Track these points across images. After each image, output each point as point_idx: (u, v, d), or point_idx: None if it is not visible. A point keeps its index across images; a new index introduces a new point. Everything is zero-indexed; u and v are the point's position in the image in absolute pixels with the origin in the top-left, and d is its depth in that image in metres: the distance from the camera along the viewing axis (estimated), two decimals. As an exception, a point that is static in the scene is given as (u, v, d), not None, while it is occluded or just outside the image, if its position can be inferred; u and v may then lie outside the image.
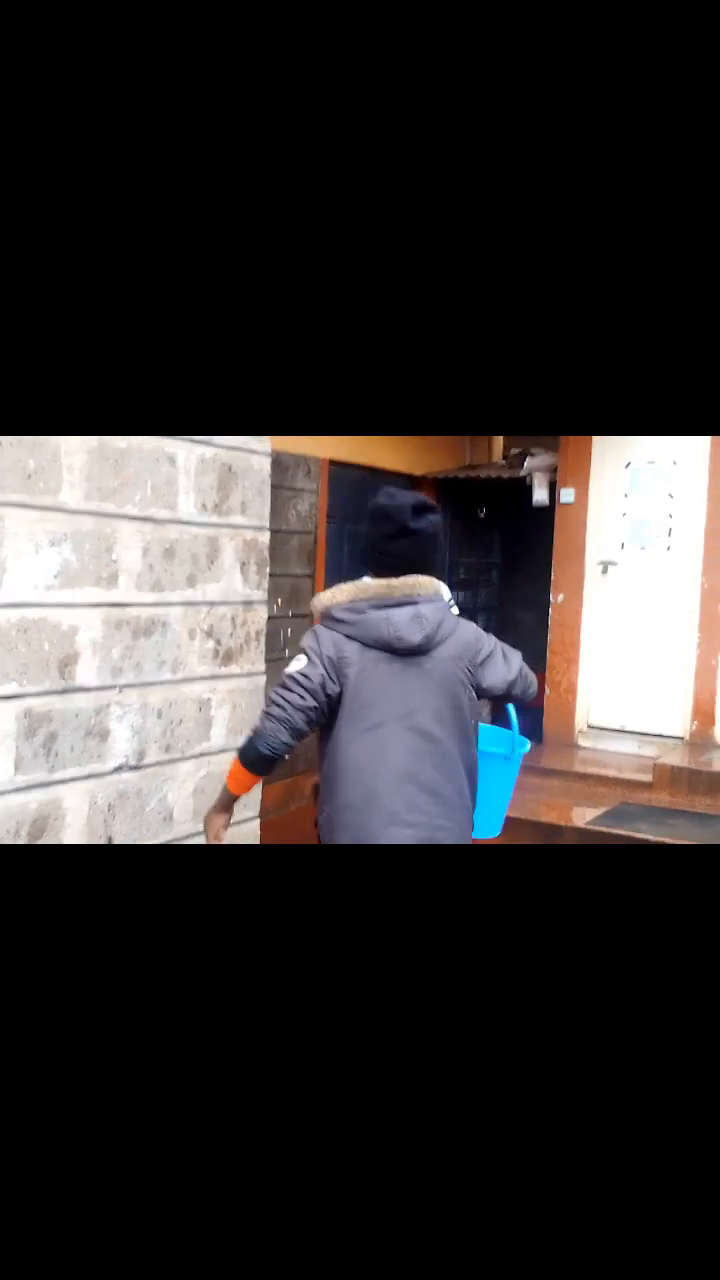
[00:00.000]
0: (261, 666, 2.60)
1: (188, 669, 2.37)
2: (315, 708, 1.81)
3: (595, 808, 4.62)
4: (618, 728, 5.59)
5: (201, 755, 2.44)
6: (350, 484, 5.39)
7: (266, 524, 2.58)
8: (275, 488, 4.57)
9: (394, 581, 1.84)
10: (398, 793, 1.80)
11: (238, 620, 2.52)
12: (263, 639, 2.59)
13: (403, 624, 1.81)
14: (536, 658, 6.05)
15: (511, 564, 6.78)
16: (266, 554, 2.56)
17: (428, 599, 1.86)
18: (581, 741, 5.67)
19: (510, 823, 4.43)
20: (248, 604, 2.55)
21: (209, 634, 2.42)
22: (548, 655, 5.84)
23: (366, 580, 1.87)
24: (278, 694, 1.81)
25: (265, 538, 2.57)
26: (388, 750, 1.81)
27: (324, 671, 1.81)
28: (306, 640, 1.86)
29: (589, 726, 5.72)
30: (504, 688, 2.01)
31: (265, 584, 2.56)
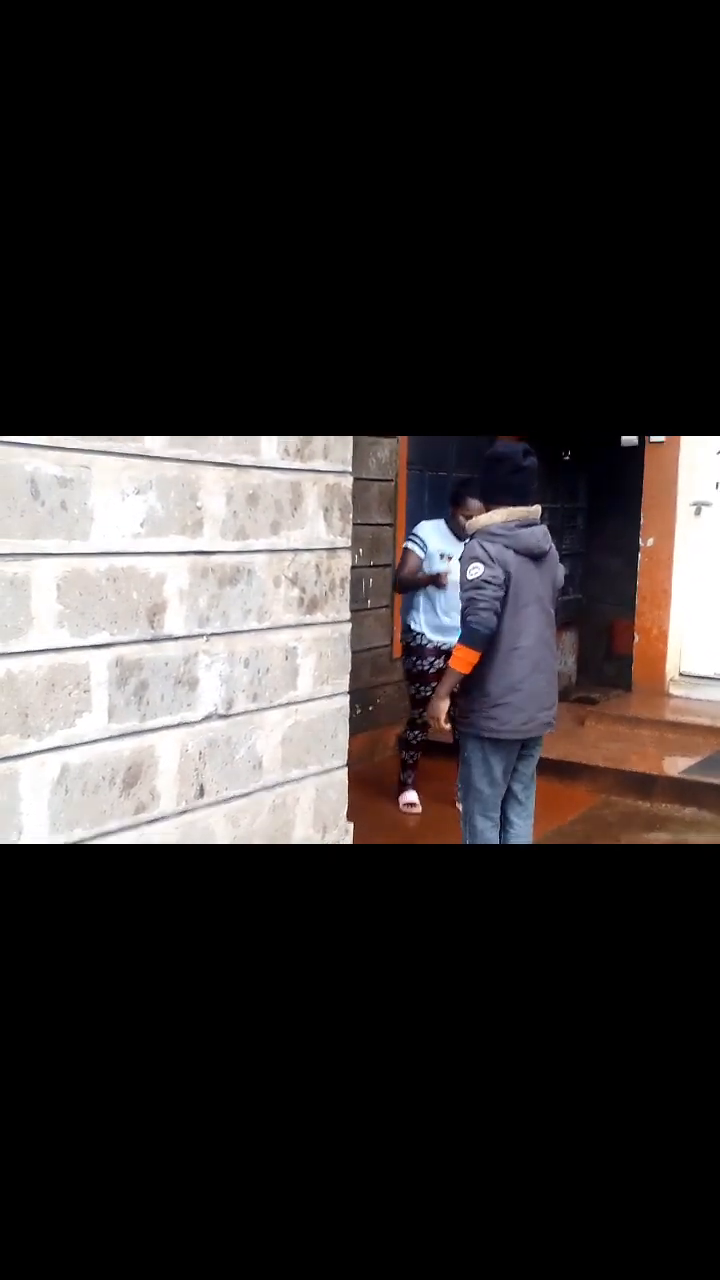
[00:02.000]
0: (346, 614, 2.58)
1: (273, 617, 2.36)
2: (501, 597, 2.75)
3: (689, 757, 4.50)
4: (711, 675, 5.42)
5: (289, 704, 2.44)
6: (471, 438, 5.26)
7: (349, 469, 2.53)
8: (354, 435, 4.51)
9: (529, 509, 2.84)
10: (540, 682, 2.89)
11: (322, 568, 2.49)
12: (347, 586, 2.56)
13: (540, 537, 2.86)
14: (624, 604, 5.89)
15: (598, 508, 6.58)
16: (350, 500, 2.52)
17: (540, 521, 2.90)
18: (673, 690, 5.52)
19: (598, 772, 4.35)
20: (331, 550, 2.52)
21: (294, 581, 2.40)
22: (636, 601, 5.68)
23: (511, 508, 2.81)
24: (478, 593, 2.73)
25: (348, 483, 2.52)
26: (531, 620, 2.82)
27: (501, 571, 2.74)
28: (477, 551, 2.78)
29: (680, 674, 5.56)
30: (562, 584, 3.09)
31: (349, 530, 2.52)
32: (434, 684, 4.00)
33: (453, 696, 2.89)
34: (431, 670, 3.99)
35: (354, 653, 4.74)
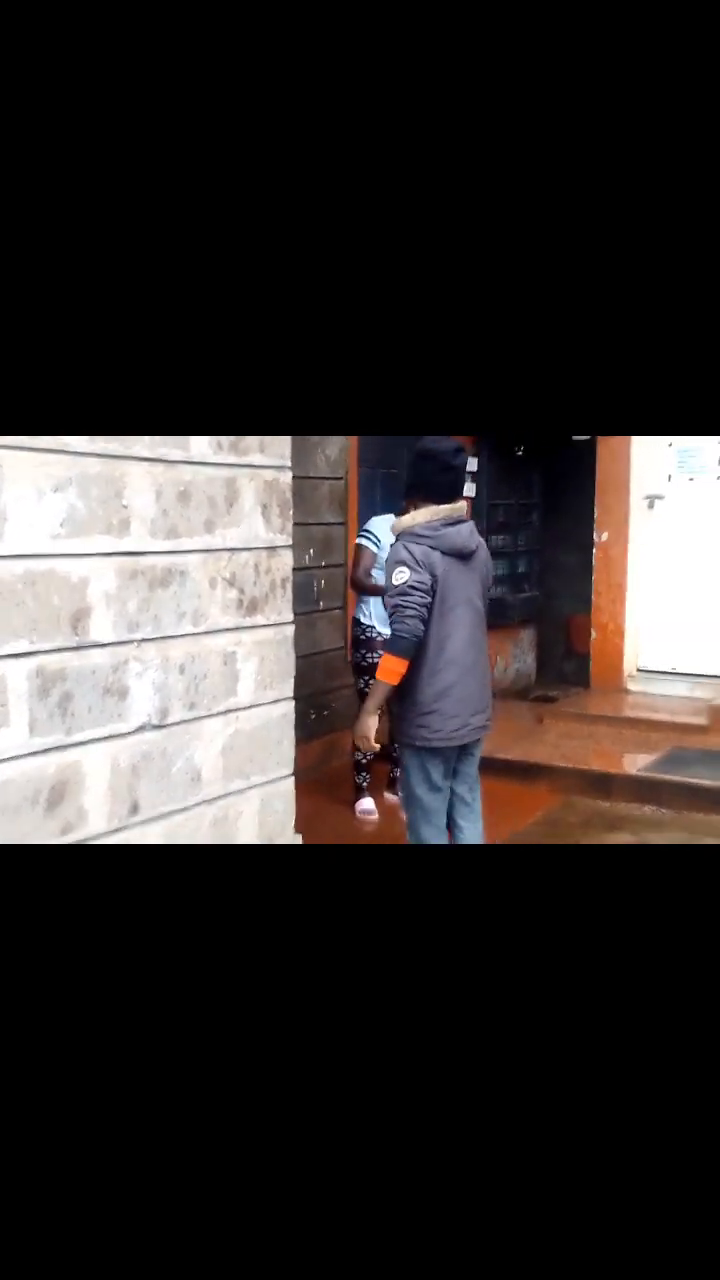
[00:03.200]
0: (289, 616, 2.48)
1: (210, 620, 2.25)
2: (430, 602, 2.67)
3: (648, 754, 4.47)
4: (668, 670, 5.41)
5: (229, 712, 2.33)
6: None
7: (288, 463, 2.43)
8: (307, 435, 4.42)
9: (454, 506, 2.77)
10: (472, 685, 2.79)
11: (261, 567, 2.39)
12: (289, 587, 2.46)
13: (467, 535, 2.77)
14: (582, 601, 5.87)
15: (553, 504, 6.55)
16: (289, 496, 2.42)
17: (467, 518, 2.83)
18: (630, 685, 5.50)
19: (556, 772, 4.30)
20: (271, 550, 2.42)
21: (231, 583, 2.30)
22: (592, 597, 5.65)
23: (435, 506, 2.73)
24: (404, 599, 2.64)
25: (287, 478, 2.42)
26: (460, 623, 2.73)
27: (429, 575, 2.66)
28: (402, 554, 2.70)
29: (638, 670, 5.54)
30: (491, 581, 2.99)
31: (289, 528, 2.42)
32: None
33: (386, 706, 2.83)
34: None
35: (307, 656, 4.66)
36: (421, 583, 2.64)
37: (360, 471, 4.87)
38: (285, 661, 2.49)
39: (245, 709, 2.38)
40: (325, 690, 4.71)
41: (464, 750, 2.93)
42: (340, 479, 4.68)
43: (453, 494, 2.80)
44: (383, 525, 3.91)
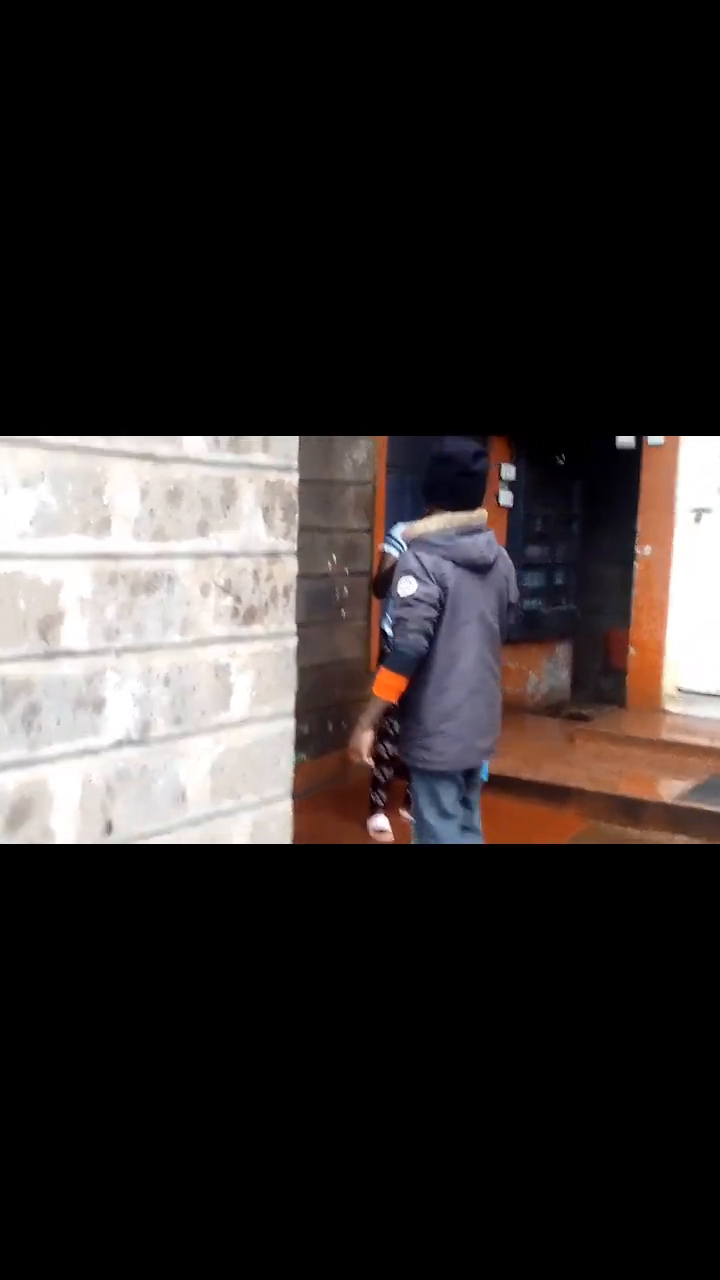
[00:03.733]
0: (291, 626, 2.33)
1: (200, 629, 2.11)
2: (436, 616, 2.54)
3: (684, 780, 4.25)
4: (710, 691, 5.17)
5: (220, 728, 2.19)
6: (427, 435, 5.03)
7: (293, 463, 2.29)
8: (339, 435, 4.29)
9: (471, 514, 2.63)
10: (480, 707, 2.64)
11: (261, 574, 2.24)
12: (292, 595, 2.31)
13: (484, 546, 2.66)
14: (621, 616, 5.65)
15: (594, 515, 6.34)
16: (295, 498, 2.28)
17: (486, 528, 2.69)
18: (669, 707, 5.26)
19: (585, 796, 4.11)
20: (273, 555, 2.27)
21: (226, 590, 2.15)
22: (632, 613, 5.43)
23: (450, 514, 2.61)
24: (407, 612, 2.51)
25: (293, 479, 2.28)
26: (471, 640, 2.59)
27: (437, 587, 2.53)
28: (411, 564, 2.55)
29: (678, 690, 5.31)
30: (514, 600, 2.84)
31: (294, 533, 2.28)
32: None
33: (387, 724, 2.70)
34: None
35: (326, 665, 4.53)
36: (428, 595, 2.52)
37: (389, 476, 4.73)
38: (285, 675, 2.35)
39: (238, 725, 2.24)
40: (346, 701, 4.57)
41: (469, 775, 2.78)
42: (367, 483, 4.54)
43: (472, 501, 2.67)
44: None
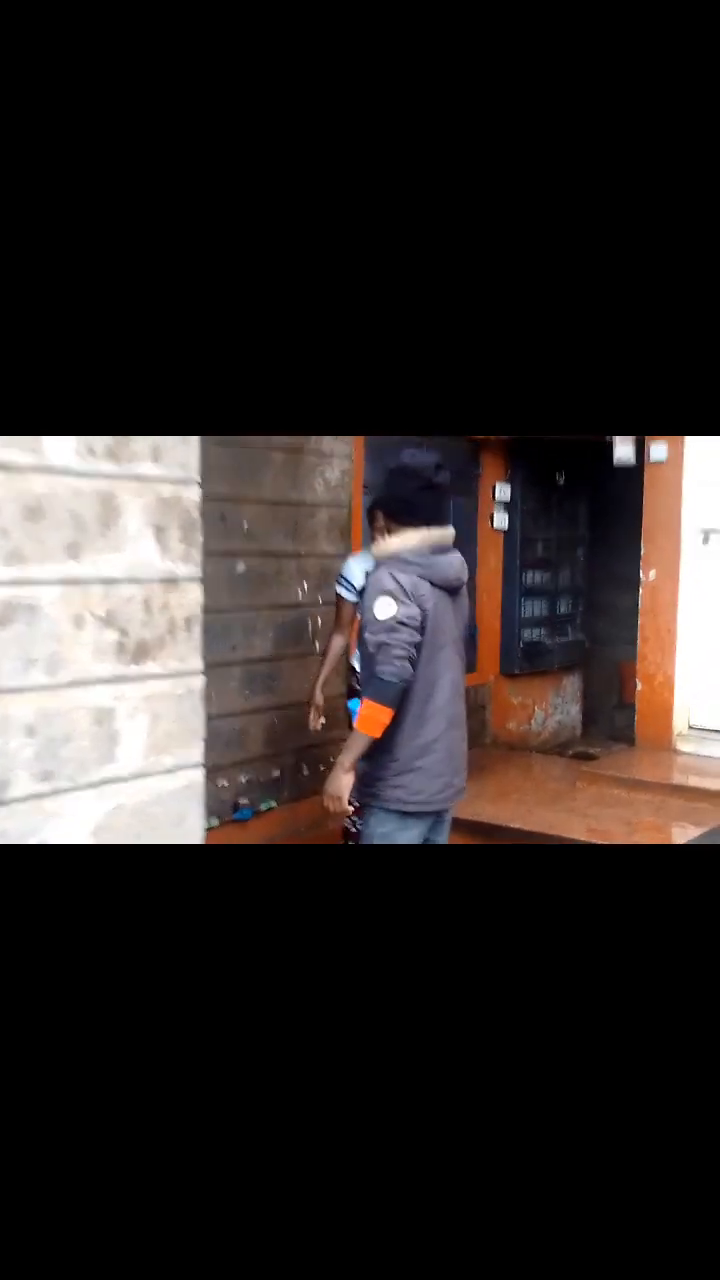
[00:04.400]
0: (196, 664, 2.06)
1: (75, 669, 1.84)
2: (420, 641, 2.32)
3: (692, 828, 3.92)
4: (723, 729, 4.84)
5: (105, 783, 1.91)
6: (393, 449, 4.76)
7: (193, 475, 2.03)
8: (295, 452, 4.04)
9: (444, 531, 2.46)
10: (457, 740, 2.46)
11: (154, 604, 1.97)
12: (196, 628, 2.04)
13: (459, 567, 2.48)
14: (635, 645, 5.34)
15: (600, 537, 6.04)
16: (195, 515, 2.01)
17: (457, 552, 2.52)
18: (681, 746, 4.93)
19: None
20: (170, 582, 2.00)
21: (107, 622, 1.88)
22: (638, 644, 5.12)
23: (425, 530, 2.41)
24: (392, 637, 2.28)
25: (192, 494, 2.01)
26: (448, 667, 2.40)
27: (417, 609, 2.32)
28: (387, 584, 2.33)
29: (690, 728, 4.97)
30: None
31: (197, 555, 2.01)
32: None
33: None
34: None
35: (299, 704, 4.27)
36: (411, 618, 2.31)
37: (365, 497, 4.47)
38: (190, 720, 2.07)
39: (129, 780, 1.96)
40: (323, 742, 4.27)
41: (439, 816, 2.48)
42: (342, 506, 4.28)
43: (439, 516, 2.47)
44: (356, 567, 3.44)
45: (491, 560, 5.43)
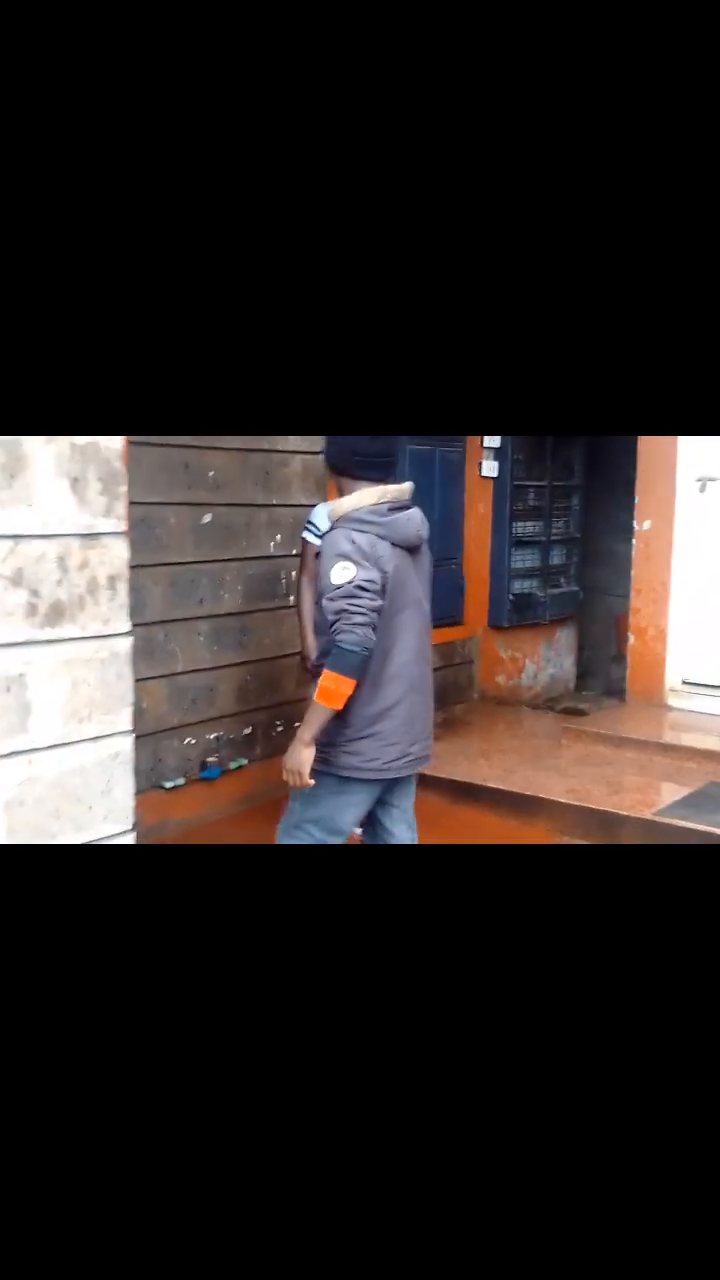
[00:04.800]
0: (123, 624, 1.95)
1: (-23, 633, 1.73)
2: (382, 605, 2.20)
3: (678, 788, 3.82)
4: (718, 684, 4.71)
5: (18, 753, 1.81)
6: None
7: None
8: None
9: (400, 487, 2.32)
10: (418, 705, 2.34)
11: (71, 561, 1.86)
12: (122, 587, 1.93)
13: (418, 524, 2.33)
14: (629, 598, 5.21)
15: (596, 486, 5.87)
16: (118, 465, 1.88)
17: (417, 509, 2.36)
18: (672, 701, 4.82)
19: (558, 809, 3.69)
20: (90, 537, 1.89)
21: (15, 581, 1.77)
22: (629, 595, 4.98)
23: (380, 486, 2.27)
24: (352, 603, 2.15)
25: (112, 442, 1.88)
26: (408, 629, 2.30)
27: (377, 571, 2.19)
28: (343, 545, 2.19)
29: (683, 683, 4.85)
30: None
31: (121, 509, 1.89)
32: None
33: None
34: None
35: (274, 659, 4.15)
36: (370, 581, 2.17)
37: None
38: (116, 687, 1.96)
39: (46, 749, 1.86)
40: (295, 700, 4.17)
41: (397, 783, 2.38)
42: (316, 453, 4.12)
43: (390, 468, 2.33)
44: (323, 514, 3.34)
45: (480, 509, 5.28)
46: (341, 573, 2.17)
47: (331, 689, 2.16)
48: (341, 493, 2.38)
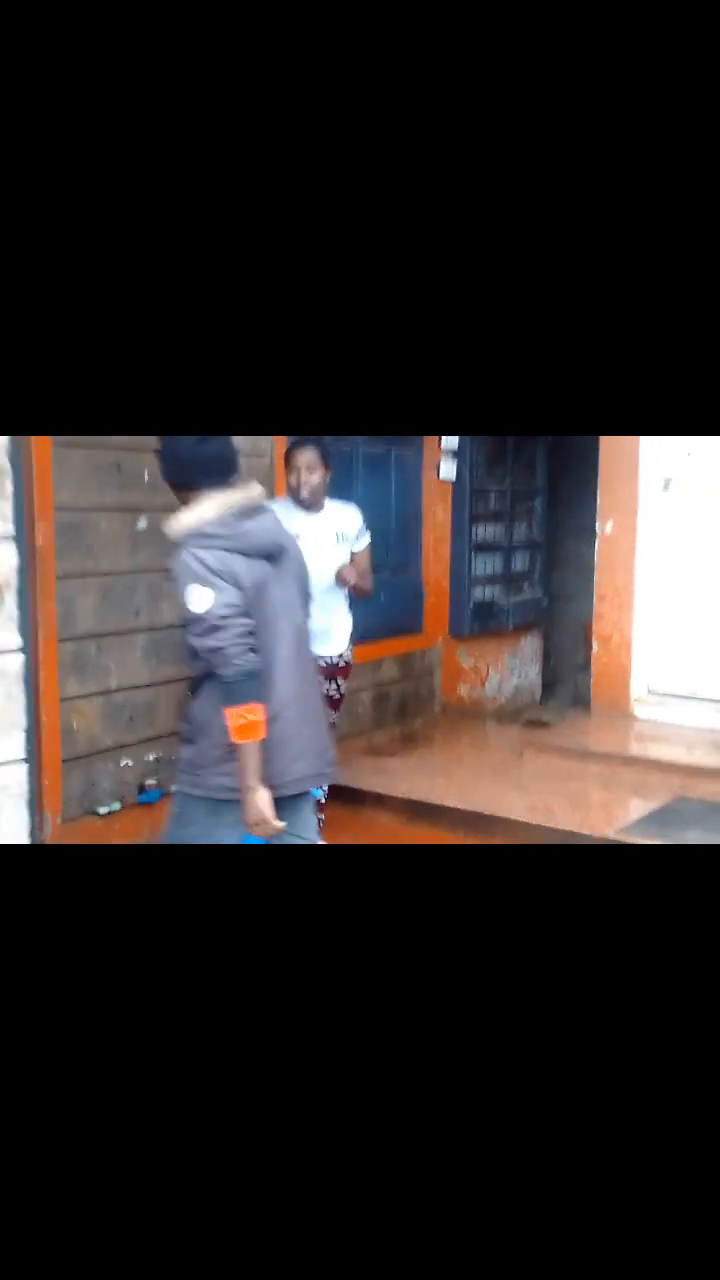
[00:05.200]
0: (12, 640, 1.75)
1: None
2: (250, 627, 2.05)
3: (642, 803, 3.67)
4: (685, 694, 4.58)
5: None
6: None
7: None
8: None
9: (248, 491, 2.15)
10: (297, 720, 2.17)
11: (-55, 570, 1.65)
12: (8, 596, 1.73)
13: (273, 529, 2.18)
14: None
15: (560, 488, 5.74)
16: (3, 461, 1.69)
17: (266, 506, 2.23)
18: (638, 711, 4.68)
19: (515, 828, 3.53)
20: (-33, 543, 1.68)
21: None
22: (594, 601, 4.85)
23: (220, 494, 2.09)
24: (219, 637, 2.01)
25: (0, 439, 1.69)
26: (281, 641, 2.13)
27: (233, 589, 2.03)
28: (194, 568, 2.02)
29: (648, 692, 4.72)
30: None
31: (7, 509, 1.70)
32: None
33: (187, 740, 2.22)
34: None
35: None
36: (231, 605, 2.01)
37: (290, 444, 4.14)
38: (4, 708, 1.76)
39: None
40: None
41: (292, 803, 2.22)
42: (263, 455, 3.94)
43: (229, 469, 2.15)
44: (282, 514, 3.18)
45: (438, 514, 5.13)
46: (199, 600, 2.02)
47: (243, 724, 2.02)
48: (182, 507, 2.21)
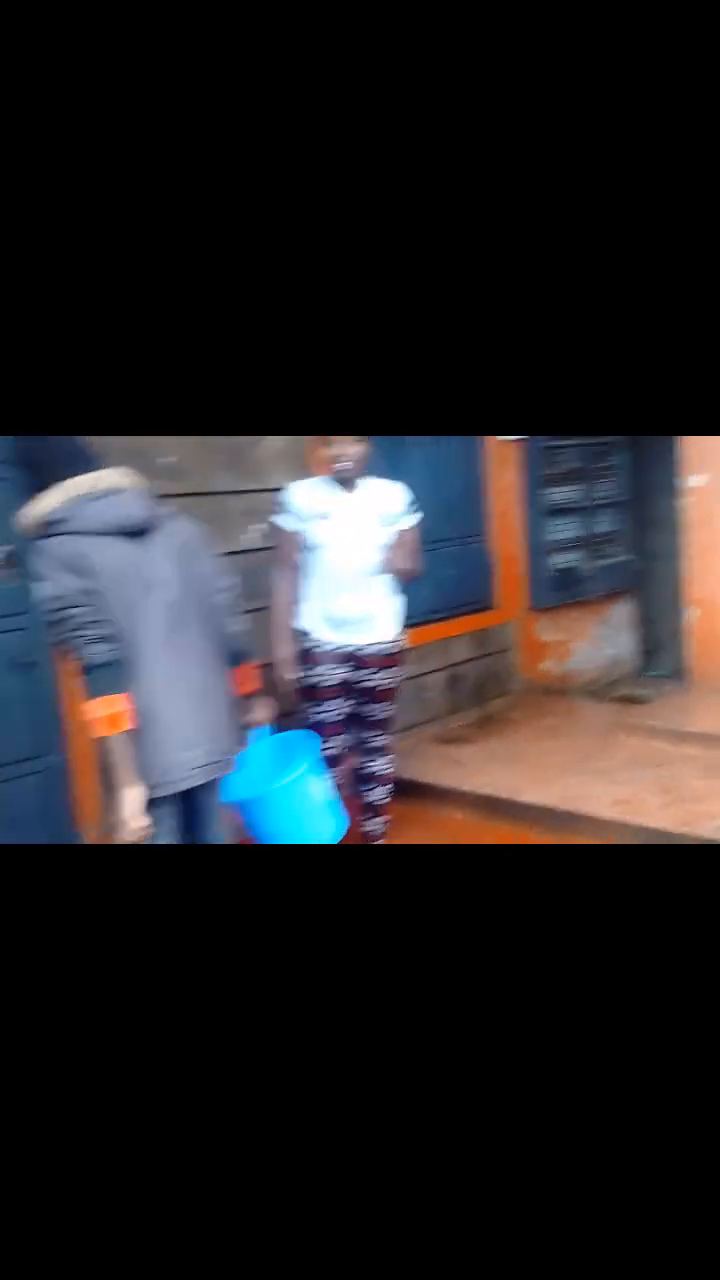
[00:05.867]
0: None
1: None
2: (97, 614, 1.98)
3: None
4: None
5: None
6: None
7: None
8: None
9: (95, 476, 2.07)
10: (182, 706, 2.09)
11: None
12: None
13: (128, 504, 2.10)
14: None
15: (648, 439, 5.27)
16: None
17: (131, 486, 2.13)
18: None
19: (601, 826, 3.17)
20: None
21: None
22: (682, 561, 4.39)
23: (68, 483, 2.03)
24: (63, 628, 1.97)
25: None
26: (150, 621, 2.06)
27: (70, 577, 1.97)
28: (35, 560, 2.00)
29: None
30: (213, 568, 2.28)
31: None
32: (331, 704, 2.94)
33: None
34: (328, 685, 2.93)
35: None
36: (68, 594, 1.95)
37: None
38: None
39: None
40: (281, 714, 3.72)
41: (187, 800, 2.12)
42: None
43: (75, 461, 2.05)
44: (300, 488, 2.93)
45: (505, 478, 4.74)
46: (39, 593, 1.99)
47: (103, 715, 1.94)
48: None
